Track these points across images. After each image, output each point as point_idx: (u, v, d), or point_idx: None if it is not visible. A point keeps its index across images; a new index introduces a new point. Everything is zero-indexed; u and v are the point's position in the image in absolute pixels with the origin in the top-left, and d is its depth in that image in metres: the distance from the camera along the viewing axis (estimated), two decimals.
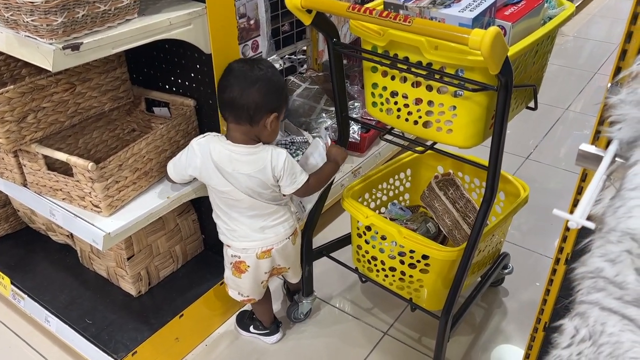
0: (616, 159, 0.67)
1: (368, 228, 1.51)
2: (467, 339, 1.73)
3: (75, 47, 1.14)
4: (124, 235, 1.38)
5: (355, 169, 2.17)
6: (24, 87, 1.31)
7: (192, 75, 1.52)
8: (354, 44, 2.30)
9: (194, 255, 1.83)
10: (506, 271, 1.87)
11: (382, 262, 1.53)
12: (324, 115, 2.25)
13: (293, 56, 2.66)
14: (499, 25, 1.17)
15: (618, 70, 0.81)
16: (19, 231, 1.95)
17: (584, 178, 0.93)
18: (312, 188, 1.45)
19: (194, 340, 1.72)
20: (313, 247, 1.70)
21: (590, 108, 3.08)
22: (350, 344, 1.73)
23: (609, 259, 0.57)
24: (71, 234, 1.80)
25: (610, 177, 0.68)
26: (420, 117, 1.29)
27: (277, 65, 2.02)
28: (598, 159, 0.69)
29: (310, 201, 1.62)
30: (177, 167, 1.43)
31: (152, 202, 1.45)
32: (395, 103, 1.32)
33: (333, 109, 2.27)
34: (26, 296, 1.70)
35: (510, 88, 1.11)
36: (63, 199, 1.42)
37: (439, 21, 1.17)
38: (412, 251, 1.43)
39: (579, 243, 0.85)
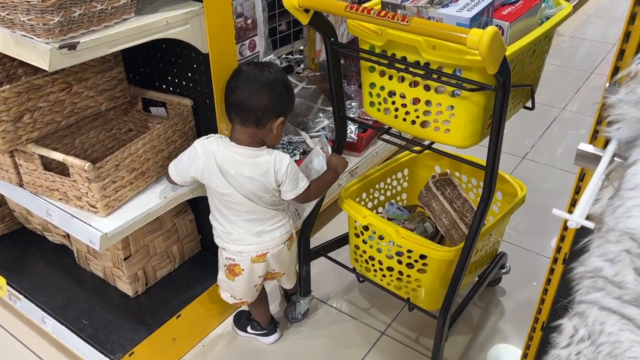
0: (615, 158, 0.67)
1: (366, 228, 1.51)
2: (465, 338, 1.73)
3: (72, 47, 1.13)
4: (121, 235, 1.37)
5: (353, 169, 2.17)
6: (20, 86, 1.30)
7: (189, 75, 1.52)
8: (351, 44, 2.30)
9: (191, 255, 1.83)
10: (503, 271, 1.88)
11: (380, 262, 1.53)
12: (321, 115, 2.25)
13: (290, 56, 2.66)
14: (496, 25, 1.17)
15: (616, 70, 0.81)
16: (15, 231, 1.95)
17: (582, 178, 0.93)
18: (312, 195, 1.45)
19: (192, 340, 1.71)
20: (310, 247, 1.70)
21: (587, 108, 3.09)
22: (348, 344, 1.73)
23: (608, 259, 0.57)
24: (67, 234, 1.79)
25: (609, 177, 0.68)
26: (418, 116, 1.29)
27: None
28: (597, 159, 0.69)
29: (305, 209, 1.62)
30: (179, 168, 1.42)
31: (149, 202, 1.44)
32: (393, 103, 1.32)
33: (330, 108, 2.28)
34: (22, 297, 1.69)
35: (508, 88, 1.11)
36: (59, 199, 1.41)
37: (437, 21, 1.17)
38: (409, 251, 1.43)
39: (577, 243, 0.85)
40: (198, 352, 1.70)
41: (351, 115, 2.20)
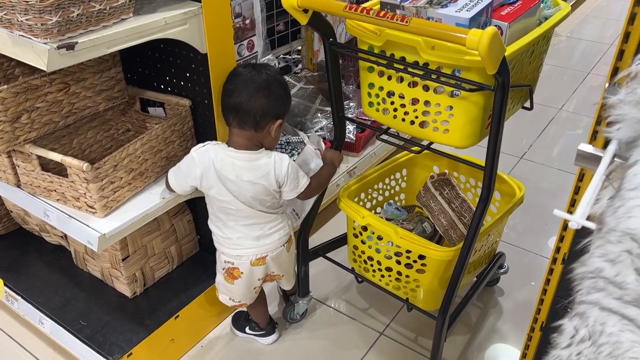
0: (615, 159, 0.67)
1: (364, 228, 1.51)
2: (463, 338, 1.73)
3: (70, 47, 1.13)
4: (120, 236, 1.37)
5: (351, 169, 2.17)
6: (18, 87, 1.30)
7: (188, 75, 1.52)
8: (349, 44, 2.30)
9: (189, 256, 1.82)
10: (502, 271, 1.88)
11: (379, 263, 1.53)
12: (319, 115, 2.24)
13: (288, 56, 2.66)
14: (495, 25, 1.17)
15: (615, 70, 0.81)
16: (12, 232, 1.94)
17: (581, 178, 0.93)
18: (313, 191, 1.46)
19: (190, 341, 1.71)
20: (309, 248, 1.70)
21: (584, 108, 3.10)
22: (347, 344, 1.73)
23: (608, 259, 0.57)
24: (65, 235, 1.78)
25: (609, 177, 0.68)
26: (416, 117, 1.29)
27: None
28: (597, 159, 0.69)
29: (305, 209, 1.62)
30: (179, 177, 1.40)
31: (147, 203, 1.44)
32: (392, 103, 1.32)
33: (328, 109, 2.28)
34: (20, 298, 1.68)
35: (507, 88, 1.11)
36: (57, 199, 1.41)
37: (436, 21, 1.17)
38: (408, 251, 1.43)
39: (577, 243, 0.85)
40: (196, 353, 1.70)
41: (349, 116, 2.20)
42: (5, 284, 1.73)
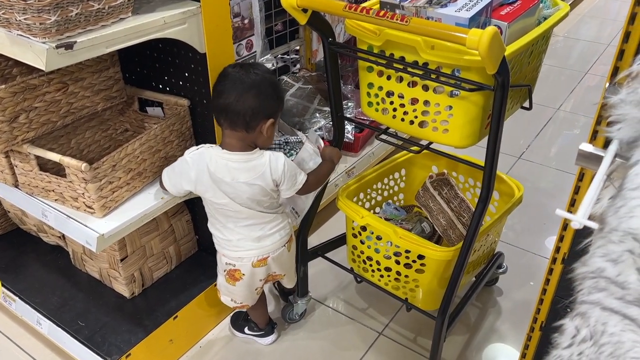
0: (616, 158, 0.67)
1: (363, 228, 1.51)
2: (462, 338, 1.74)
3: (69, 46, 1.12)
4: (118, 236, 1.37)
5: (349, 169, 2.17)
6: (16, 86, 1.29)
7: (186, 74, 1.51)
8: (348, 43, 2.30)
9: (187, 256, 1.82)
10: (500, 270, 1.88)
11: (378, 263, 1.53)
12: (317, 115, 2.24)
13: (286, 56, 2.65)
14: (495, 25, 1.17)
15: (616, 70, 0.81)
16: (9, 232, 1.93)
17: (581, 178, 0.93)
18: (312, 186, 1.45)
19: (188, 341, 1.70)
20: (308, 248, 1.70)
21: (581, 108, 3.10)
22: (346, 344, 1.73)
23: (610, 259, 0.57)
24: (63, 235, 1.78)
25: (610, 177, 0.68)
26: (416, 117, 1.29)
27: (269, 65, 2.01)
28: (598, 159, 0.69)
29: (304, 208, 1.62)
30: (172, 177, 1.40)
31: (146, 203, 1.43)
32: (391, 103, 1.32)
33: (327, 108, 2.27)
34: (17, 298, 1.68)
35: (506, 88, 1.11)
36: (55, 200, 1.40)
37: (436, 21, 1.17)
38: (407, 251, 1.43)
39: (577, 243, 0.85)
40: (195, 354, 1.69)
41: (347, 115, 2.20)
42: (2, 285, 1.72)
